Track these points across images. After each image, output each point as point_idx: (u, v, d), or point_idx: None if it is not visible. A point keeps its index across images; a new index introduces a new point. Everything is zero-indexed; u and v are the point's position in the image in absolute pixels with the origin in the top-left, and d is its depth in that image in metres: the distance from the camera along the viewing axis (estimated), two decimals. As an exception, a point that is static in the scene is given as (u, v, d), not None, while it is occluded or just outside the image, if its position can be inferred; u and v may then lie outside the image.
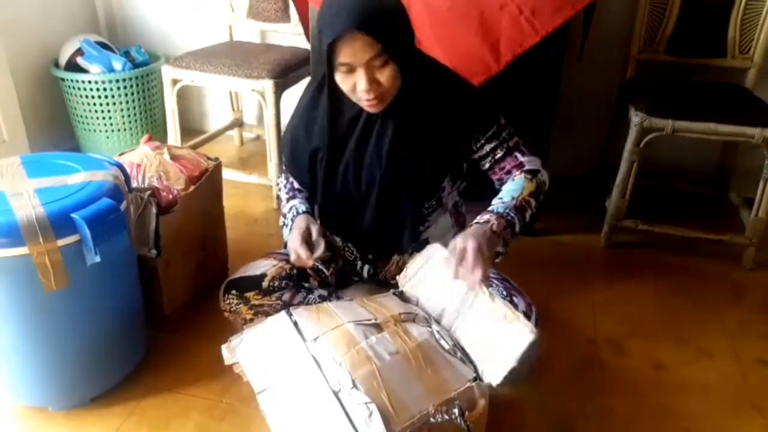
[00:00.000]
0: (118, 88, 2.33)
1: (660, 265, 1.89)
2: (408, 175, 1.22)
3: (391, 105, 1.16)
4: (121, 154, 1.56)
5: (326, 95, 1.19)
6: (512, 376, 1.02)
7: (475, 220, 1.17)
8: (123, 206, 1.21)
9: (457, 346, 1.10)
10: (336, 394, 0.97)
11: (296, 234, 1.23)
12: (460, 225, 1.37)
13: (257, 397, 1.06)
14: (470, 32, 1.55)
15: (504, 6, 1.53)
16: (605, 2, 2.04)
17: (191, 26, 2.60)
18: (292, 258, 1.22)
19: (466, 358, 1.08)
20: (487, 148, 1.24)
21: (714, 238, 1.88)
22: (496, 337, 1.07)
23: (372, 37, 1.04)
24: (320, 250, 1.21)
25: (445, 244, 1.30)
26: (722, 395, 1.39)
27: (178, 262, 1.47)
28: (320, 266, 1.36)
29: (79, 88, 2.30)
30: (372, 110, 1.16)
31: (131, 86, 2.35)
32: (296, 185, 1.38)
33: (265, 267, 1.30)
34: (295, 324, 1.13)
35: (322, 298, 1.32)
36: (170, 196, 1.41)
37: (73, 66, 2.31)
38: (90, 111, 2.35)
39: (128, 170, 1.40)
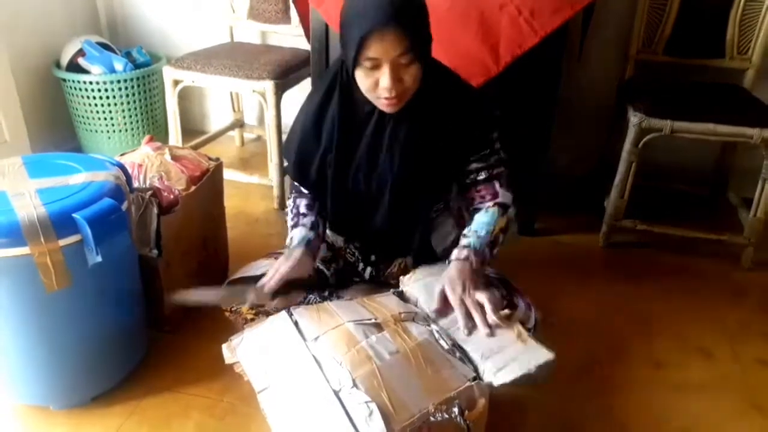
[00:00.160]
0: (120, 89, 2.33)
1: (659, 265, 1.89)
2: (422, 176, 1.22)
3: (405, 106, 1.15)
4: (122, 155, 1.56)
5: (338, 93, 1.18)
6: (518, 382, 1.03)
7: (455, 256, 1.20)
8: (124, 206, 1.22)
9: (456, 346, 1.10)
10: (336, 393, 0.98)
11: (275, 276, 1.20)
12: (461, 227, 1.37)
13: (257, 397, 1.06)
14: (470, 33, 1.55)
15: (503, 6, 1.53)
16: (604, 3, 2.04)
17: (192, 27, 2.61)
18: (250, 298, 1.21)
19: (466, 358, 1.09)
20: (473, 166, 1.25)
21: (713, 238, 1.88)
22: (510, 345, 1.09)
23: (403, 32, 1.03)
24: (284, 301, 1.21)
25: (446, 247, 1.32)
26: (722, 395, 1.39)
27: (179, 262, 1.47)
28: (321, 266, 1.36)
29: (80, 89, 2.30)
30: (389, 110, 1.14)
31: (132, 87, 2.36)
32: (302, 209, 1.33)
33: (265, 267, 1.30)
34: (296, 323, 1.13)
35: (323, 298, 1.33)
36: (171, 197, 1.42)
37: (74, 67, 2.32)
38: (91, 111, 2.36)
39: (129, 170, 1.41)
